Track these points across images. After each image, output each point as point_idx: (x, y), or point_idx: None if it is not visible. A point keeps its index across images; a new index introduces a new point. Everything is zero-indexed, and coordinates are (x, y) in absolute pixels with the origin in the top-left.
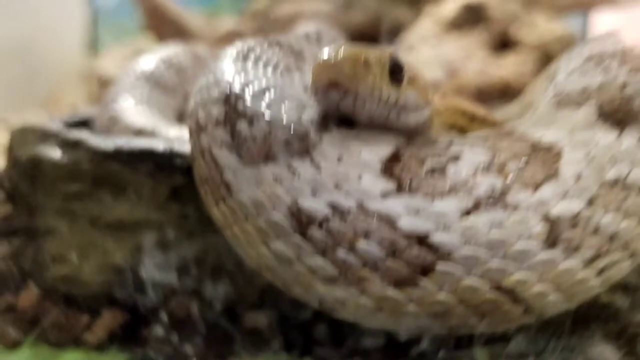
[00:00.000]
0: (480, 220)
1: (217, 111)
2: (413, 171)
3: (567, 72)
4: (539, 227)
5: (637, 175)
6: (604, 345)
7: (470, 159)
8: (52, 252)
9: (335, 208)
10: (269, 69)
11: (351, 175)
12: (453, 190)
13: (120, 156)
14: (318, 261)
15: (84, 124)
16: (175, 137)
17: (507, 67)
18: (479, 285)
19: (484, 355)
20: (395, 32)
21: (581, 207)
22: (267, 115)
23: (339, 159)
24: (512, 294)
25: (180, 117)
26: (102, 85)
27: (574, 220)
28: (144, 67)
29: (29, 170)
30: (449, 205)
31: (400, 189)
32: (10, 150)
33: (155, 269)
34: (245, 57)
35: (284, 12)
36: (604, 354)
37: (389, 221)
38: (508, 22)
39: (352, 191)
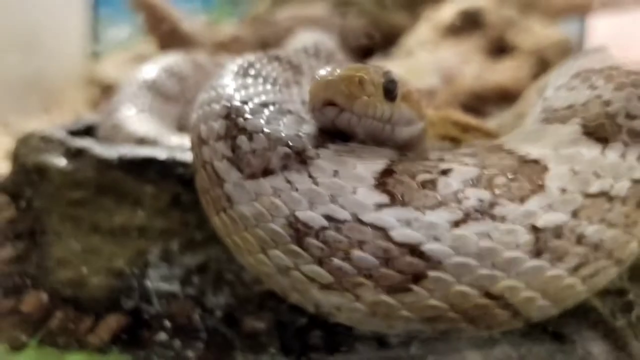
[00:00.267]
0: (469, 231)
1: (218, 126)
2: (405, 185)
3: (555, 88)
4: (525, 238)
5: (620, 188)
6: (594, 344)
7: (460, 173)
8: (56, 257)
9: (331, 219)
10: (268, 85)
11: (346, 188)
12: (443, 202)
13: (123, 164)
14: (315, 269)
15: (87, 131)
16: (176, 146)
17: (504, 72)
18: (468, 291)
19: (476, 358)
20: (393, 37)
21: (566, 218)
22: (267, 130)
23: (335, 173)
24: (500, 300)
25: (181, 125)
26: (104, 90)
27: (559, 231)
28: (146, 76)
29: (33, 177)
30: (440, 217)
31: (393, 201)
32: (16, 156)
33: (158, 278)
34: (245, 73)
35: (284, 17)
36: (594, 353)
37: (383, 232)
38: (504, 28)
39: (347, 203)
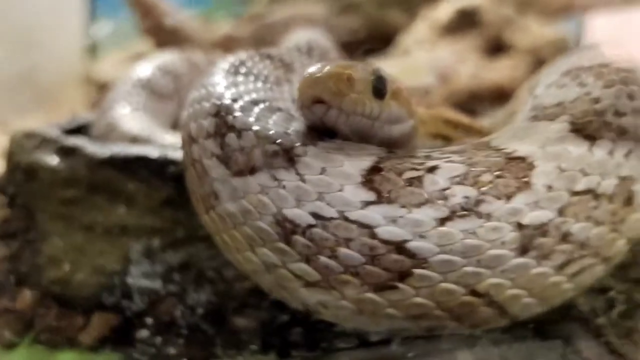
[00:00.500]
0: (455, 229)
1: (208, 124)
2: (392, 182)
3: (546, 86)
4: (511, 235)
5: (607, 186)
6: (584, 343)
7: (446, 170)
8: (47, 255)
9: (318, 217)
10: (259, 82)
11: (333, 186)
12: (429, 200)
13: (115, 163)
14: (302, 266)
15: (82, 129)
16: (170, 144)
17: (500, 71)
18: (454, 289)
19: (463, 356)
20: (391, 36)
21: (552, 216)
22: (255, 128)
23: (323, 170)
24: (486, 298)
25: (176, 124)
26: (101, 89)
27: (545, 228)
28: (141, 75)
29: (27, 176)
30: (425, 214)
31: (379, 199)
32: (10, 155)
33: (142, 276)
34: (236, 71)
35: (280, 16)
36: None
37: (369, 229)
38: (501, 27)
39: (334, 201)
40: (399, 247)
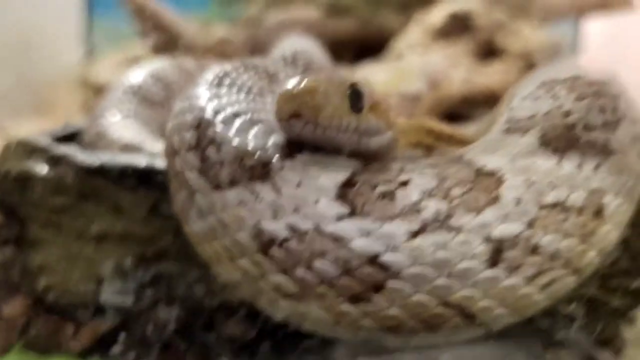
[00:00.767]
0: (427, 242)
1: (189, 136)
2: (365, 196)
3: (521, 98)
4: (481, 248)
5: (576, 198)
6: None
7: (418, 184)
8: (38, 263)
9: (294, 230)
10: (242, 94)
11: (309, 199)
12: (401, 214)
13: (104, 171)
14: (280, 278)
15: (75, 136)
16: (159, 153)
17: (492, 75)
18: (427, 301)
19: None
20: (385, 39)
21: (521, 229)
22: (235, 141)
23: (299, 184)
24: (459, 309)
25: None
26: (96, 92)
27: (515, 241)
28: (132, 82)
29: (18, 184)
30: (398, 228)
31: (353, 212)
32: (2, 163)
33: (115, 293)
34: (220, 83)
35: (275, 20)
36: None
37: (343, 242)
38: (494, 31)
39: (309, 214)
40: (372, 259)
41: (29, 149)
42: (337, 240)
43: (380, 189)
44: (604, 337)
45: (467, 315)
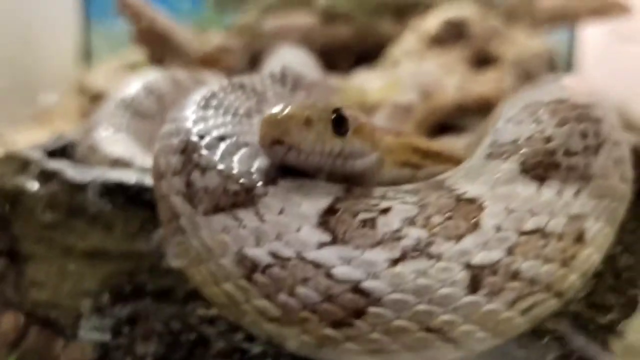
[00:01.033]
0: (407, 269)
1: (175, 160)
2: (347, 223)
3: (505, 120)
4: (461, 275)
5: (556, 225)
6: None
7: (399, 212)
8: (30, 278)
9: (276, 256)
10: (229, 116)
11: (291, 226)
12: (382, 241)
13: (94, 188)
14: (263, 303)
15: (67, 148)
16: (149, 168)
17: (486, 83)
18: (408, 326)
19: None
20: (381, 46)
21: (501, 255)
22: (219, 167)
23: (281, 211)
24: (440, 333)
25: None
26: (93, 99)
27: (494, 268)
28: (124, 95)
29: (9, 199)
30: (378, 256)
31: (334, 240)
32: None
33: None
34: (206, 105)
35: (271, 27)
36: None
37: (324, 269)
38: (488, 38)
39: (291, 241)
40: (354, 286)
41: (21, 164)
42: (319, 267)
43: (362, 216)
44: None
45: (449, 339)
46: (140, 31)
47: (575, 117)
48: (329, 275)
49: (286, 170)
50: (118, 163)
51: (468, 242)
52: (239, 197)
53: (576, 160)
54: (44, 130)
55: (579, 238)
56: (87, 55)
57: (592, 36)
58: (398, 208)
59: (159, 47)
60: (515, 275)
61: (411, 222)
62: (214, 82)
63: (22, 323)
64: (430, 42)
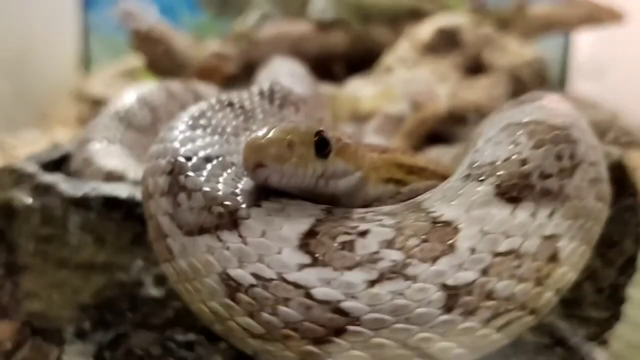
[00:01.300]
0: (384, 290)
1: (162, 181)
2: (326, 246)
3: (485, 140)
4: (437, 295)
5: (529, 246)
6: None
7: (376, 235)
8: (26, 289)
9: (258, 277)
10: (216, 135)
11: (272, 249)
12: (360, 263)
13: (87, 202)
14: (247, 320)
15: (62, 160)
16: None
17: (479, 91)
18: (387, 343)
19: None
20: (376, 54)
21: (476, 276)
22: (205, 189)
23: (263, 234)
24: (418, 351)
25: None
26: (92, 105)
27: (469, 288)
28: (118, 107)
29: (5, 212)
30: (356, 277)
31: (314, 262)
32: None
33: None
34: (194, 124)
35: (267, 35)
36: None
37: (305, 290)
38: (481, 46)
39: (272, 263)
40: (333, 306)
41: (16, 177)
42: (300, 288)
43: (341, 239)
44: None
45: (427, 355)
46: (138, 38)
47: (551, 139)
48: (309, 296)
49: (270, 191)
50: (111, 176)
51: (443, 263)
52: (222, 219)
53: (551, 182)
54: (44, 136)
55: (553, 257)
56: (86, 61)
57: (587, 41)
58: (376, 231)
59: (158, 54)
60: (489, 295)
61: (389, 244)
62: (208, 93)
63: (17, 333)
64: (423, 50)
